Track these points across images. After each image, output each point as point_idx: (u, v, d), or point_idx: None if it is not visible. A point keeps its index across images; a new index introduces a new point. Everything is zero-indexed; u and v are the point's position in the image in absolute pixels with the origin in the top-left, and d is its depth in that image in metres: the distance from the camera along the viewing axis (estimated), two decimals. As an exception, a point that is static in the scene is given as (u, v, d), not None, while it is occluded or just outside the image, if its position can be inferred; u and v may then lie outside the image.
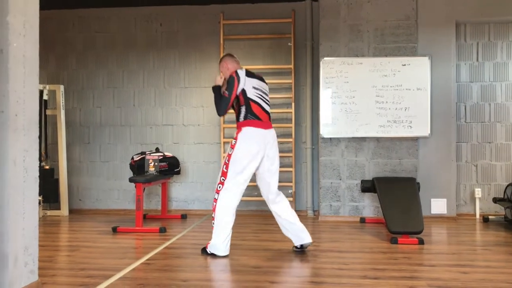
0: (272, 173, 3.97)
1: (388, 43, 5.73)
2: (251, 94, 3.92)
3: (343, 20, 5.79)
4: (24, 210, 2.87)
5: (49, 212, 6.18)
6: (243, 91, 3.90)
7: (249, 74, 4.03)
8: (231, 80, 3.92)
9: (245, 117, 3.92)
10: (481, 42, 5.98)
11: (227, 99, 3.90)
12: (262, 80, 4.13)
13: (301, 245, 4.04)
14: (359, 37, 5.77)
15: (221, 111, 3.98)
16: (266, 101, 4.05)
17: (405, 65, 5.66)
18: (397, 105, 5.65)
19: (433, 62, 5.70)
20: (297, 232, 4.00)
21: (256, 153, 3.85)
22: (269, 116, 4.05)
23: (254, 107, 3.92)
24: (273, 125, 4.08)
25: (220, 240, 3.86)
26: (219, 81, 4.06)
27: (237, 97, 3.91)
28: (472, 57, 5.98)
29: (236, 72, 3.97)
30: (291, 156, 6.11)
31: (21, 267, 2.85)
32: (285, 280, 3.33)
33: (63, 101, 6.26)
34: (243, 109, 3.92)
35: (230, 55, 4.24)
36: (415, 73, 5.65)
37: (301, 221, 4.03)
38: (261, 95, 3.99)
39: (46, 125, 6.23)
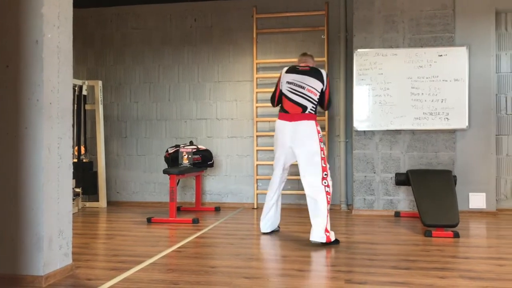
0: (301, 163, 4.09)
1: (424, 34, 5.60)
2: (284, 89, 4.22)
3: (378, 11, 5.70)
4: (58, 195, 2.98)
5: (88, 204, 6.39)
6: (282, 86, 4.24)
7: (290, 70, 4.27)
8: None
9: (279, 110, 4.27)
10: (523, 31, 5.76)
11: (273, 93, 4.37)
12: (306, 73, 4.19)
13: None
14: (394, 27, 5.66)
15: (271, 102, 4.42)
16: (302, 95, 4.12)
17: (441, 55, 5.51)
18: (433, 96, 5.52)
19: (472, 52, 5.53)
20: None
21: (280, 143, 4.17)
22: (304, 108, 4.09)
23: (284, 101, 4.21)
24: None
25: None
26: None
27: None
28: (514, 47, 5.77)
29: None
30: (324, 150, 6.06)
31: (56, 250, 2.96)
32: (312, 268, 3.32)
33: (102, 96, 6.44)
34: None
35: (301, 54, 4.53)
36: (452, 63, 5.49)
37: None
38: (296, 90, 4.14)
39: (85, 119, 6.43)
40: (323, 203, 3.96)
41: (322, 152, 4.03)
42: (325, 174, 4.01)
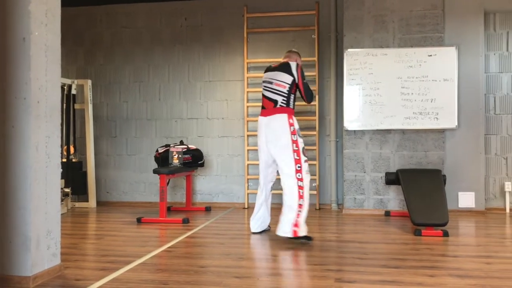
0: (275, 157, 4.12)
1: (413, 34, 5.62)
2: (262, 88, 4.33)
3: (368, 10, 5.72)
4: (46, 195, 2.95)
5: (77, 204, 6.34)
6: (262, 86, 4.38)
7: (266, 70, 4.40)
8: None
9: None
10: (511, 31, 5.80)
11: None
12: (275, 69, 4.27)
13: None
14: (384, 27, 5.68)
15: None
16: (271, 90, 4.20)
17: (431, 55, 5.54)
18: (423, 96, 5.54)
19: (461, 52, 5.57)
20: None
21: (259, 139, 4.25)
22: (275, 102, 4.15)
23: (262, 99, 4.31)
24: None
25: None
26: None
27: None
28: (502, 47, 5.81)
29: None
30: (315, 149, 6.08)
31: (44, 250, 2.93)
32: (302, 267, 3.31)
33: (91, 96, 6.40)
34: None
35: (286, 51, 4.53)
36: (441, 63, 5.52)
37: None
38: (267, 86, 4.26)
39: (74, 119, 6.37)
40: (294, 197, 3.94)
41: (294, 144, 4.00)
42: (299, 167, 3.98)
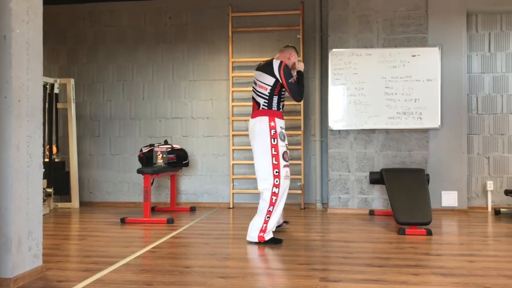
0: (254, 159, 4.06)
1: (397, 34, 5.66)
2: (252, 88, 4.21)
3: (352, 11, 5.74)
4: (28, 195, 2.90)
5: (60, 204, 6.25)
6: None
7: (256, 67, 4.23)
8: None
9: None
10: (493, 32, 5.87)
11: None
12: (260, 69, 4.13)
13: None
14: (368, 28, 5.71)
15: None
16: (255, 91, 4.11)
17: (414, 56, 5.59)
18: (407, 96, 5.59)
19: (444, 53, 5.63)
20: None
21: (250, 139, 4.15)
22: (258, 105, 4.05)
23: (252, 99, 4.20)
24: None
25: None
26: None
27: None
28: (484, 48, 5.89)
29: None
30: (300, 149, 6.09)
31: (25, 252, 2.89)
32: (287, 267, 3.31)
33: (74, 95, 6.31)
34: None
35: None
36: (425, 64, 5.57)
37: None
38: (253, 87, 4.15)
39: (57, 118, 6.29)
40: (265, 203, 3.90)
41: (273, 148, 3.89)
42: (276, 172, 3.88)
